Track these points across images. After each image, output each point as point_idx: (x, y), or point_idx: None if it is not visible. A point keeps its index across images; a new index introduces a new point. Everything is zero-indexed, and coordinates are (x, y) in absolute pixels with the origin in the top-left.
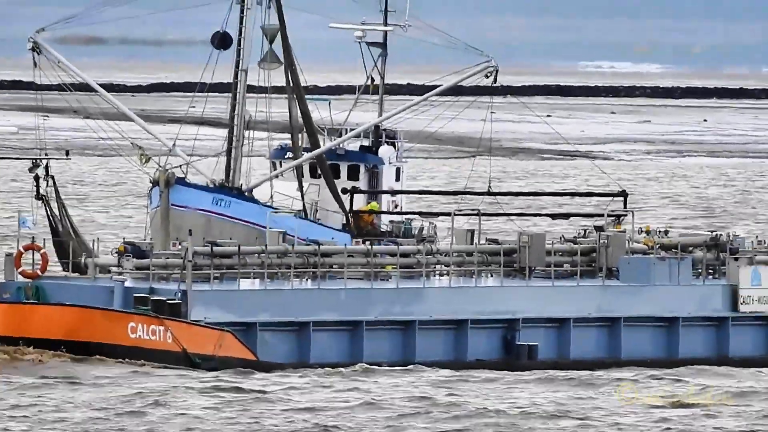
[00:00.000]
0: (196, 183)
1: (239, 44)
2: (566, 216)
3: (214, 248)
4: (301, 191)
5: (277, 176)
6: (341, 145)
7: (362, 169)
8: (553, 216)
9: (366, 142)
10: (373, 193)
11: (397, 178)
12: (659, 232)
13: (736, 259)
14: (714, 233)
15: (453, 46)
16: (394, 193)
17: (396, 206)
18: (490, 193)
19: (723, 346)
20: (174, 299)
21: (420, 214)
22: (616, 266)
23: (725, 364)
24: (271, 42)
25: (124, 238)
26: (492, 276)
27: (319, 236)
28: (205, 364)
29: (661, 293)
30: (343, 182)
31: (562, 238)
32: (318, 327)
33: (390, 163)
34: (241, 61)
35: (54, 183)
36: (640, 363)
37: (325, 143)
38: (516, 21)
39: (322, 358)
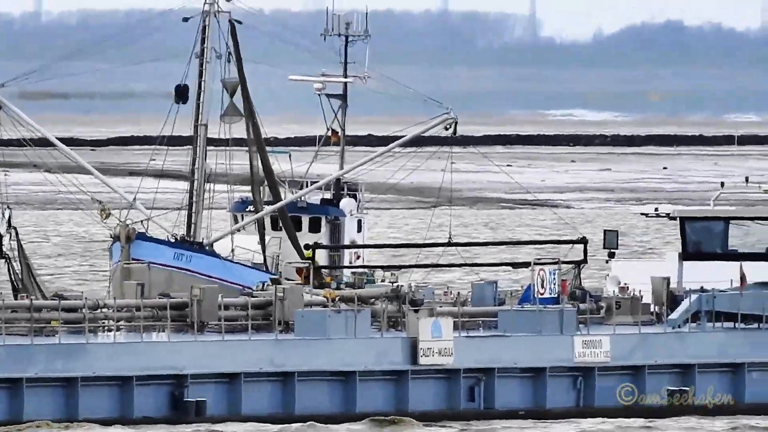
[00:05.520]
0: (156, 237)
1: (198, 98)
2: (527, 264)
3: None
4: (263, 244)
5: (238, 230)
6: (303, 198)
7: (324, 222)
8: (514, 265)
9: (327, 195)
10: (335, 247)
11: (359, 230)
12: (341, 284)
13: (417, 310)
14: (395, 284)
15: (412, 99)
16: (356, 247)
17: (358, 258)
18: (450, 244)
19: (402, 400)
20: None
21: (372, 267)
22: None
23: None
24: (231, 95)
25: None
26: (164, 331)
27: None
28: None
29: (337, 346)
30: (304, 234)
31: (243, 290)
32: None
33: (351, 215)
34: (200, 116)
35: (17, 235)
36: (315, 418)
37: (286, 195)
38: (472, 71)
39: None
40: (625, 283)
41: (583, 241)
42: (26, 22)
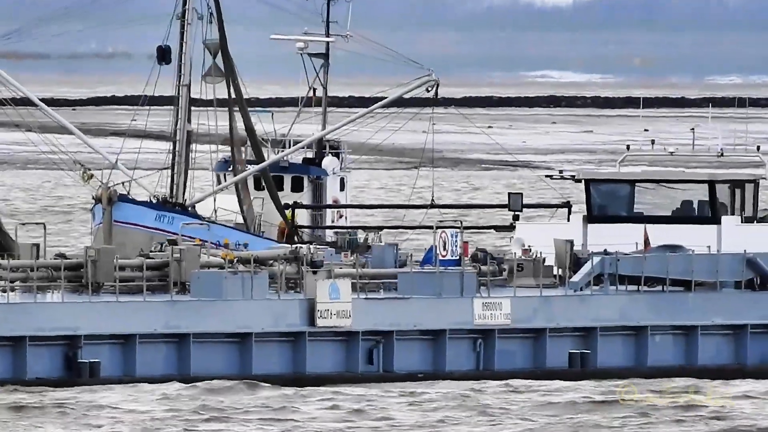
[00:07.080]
0: (138, 199)
1: (180, 59)
2: (511, 228)
3: None
4: (241, 205)
5: (221, 190)
6: (285, 158)
7: (306, 181)
8: (497, 228)
9: (309, 154)
10: (314, 207)
11: (342, 189)
12: (238, 244)
13: (315, 272)
14: (294, 247)
15: (394, 60)
16: (334, 207)
17: (341, 217)
18: (433, 206)
19: (300, 363)
20: None
21: (354, 228)
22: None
23: (302, 382)
24: (213, 56)
25: None
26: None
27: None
28: None
29: (234, 308)
30: (286, 194)
31: (141, 251)
32: None
33: (334, 173)
34: (182, 76)
35: None
36: (212, 378)
37: (269, 155)
38: (454, 33)
39: None
40: (529, 245)
41: (567, 205)
42: None
